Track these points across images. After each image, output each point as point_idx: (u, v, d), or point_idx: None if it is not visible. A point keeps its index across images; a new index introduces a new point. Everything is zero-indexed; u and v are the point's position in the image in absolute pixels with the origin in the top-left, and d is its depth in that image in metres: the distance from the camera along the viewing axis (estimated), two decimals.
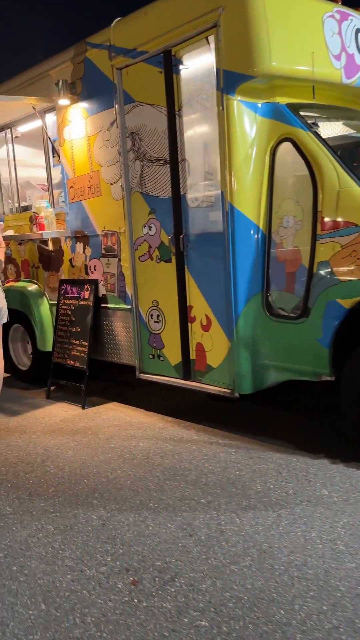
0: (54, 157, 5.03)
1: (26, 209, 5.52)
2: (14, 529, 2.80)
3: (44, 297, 5.39)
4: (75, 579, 2.36)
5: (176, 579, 2.30)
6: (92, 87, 4.46)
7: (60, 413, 4.64)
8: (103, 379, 5.45)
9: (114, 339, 4.71)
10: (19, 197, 5.62)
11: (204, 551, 2.49)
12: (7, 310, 4.97)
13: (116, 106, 4.25)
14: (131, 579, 2.32)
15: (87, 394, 4.75)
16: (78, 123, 4.62)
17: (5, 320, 5.01)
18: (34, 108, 4.80)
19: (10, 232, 5.38)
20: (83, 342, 4.79)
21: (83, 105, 4.56)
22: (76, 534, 2.70)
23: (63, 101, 4.61)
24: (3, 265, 4.81)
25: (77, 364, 4.82)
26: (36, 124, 5.23)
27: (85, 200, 4.71)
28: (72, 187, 4.82)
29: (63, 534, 2.71)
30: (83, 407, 4.72)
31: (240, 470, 3.25)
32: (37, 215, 4.92)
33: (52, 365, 5.10)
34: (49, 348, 5.32)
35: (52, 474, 3.42)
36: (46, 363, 5.21)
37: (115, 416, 4.44)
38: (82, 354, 4.78)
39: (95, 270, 4.78)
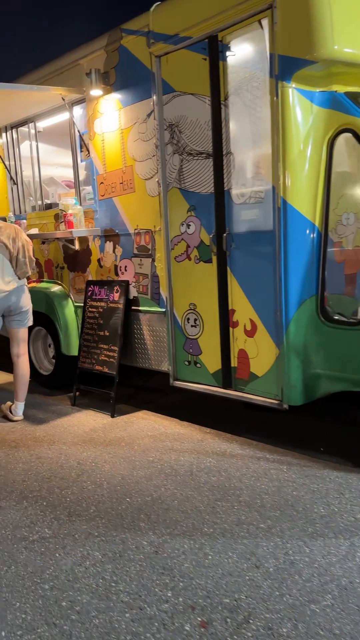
0: (82, 151, 4.78)
1: (49, 206, 5.27)
2: (57, 555, 2.54)
3: (69, 298, 5.13)
4: (135, 618, 2.09)
5: (251, 621, 2.03)
6: (127, 76, 4.21)
7: (88, 422, 4.38)
8: (129, 385, 5.19)
9: (145, 344, 4.45)
10: (42, 195, 5.37)
11: (275, 586, 2.22)
12: (32, 313, 4.73)
13: (154, 96, 3.99)
14: (199, 619, 2.05)
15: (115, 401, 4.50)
16: (111, 115, 4.36)
17: (30, 323, 4.76)
18: (63, 99, 4.55)
19: (34, 231, 5.12)
20: (112, 347, 4.53)
21: (116, 96, 4.30)
22: (128, 563, 2.44)
23: (95, 92, 4.36)
24: (34, 264, 4.56)
25: (106, 370, 4.56)
26: (60, 117, 4.98)
27: (116, 197, 4.45)
28: (102, 183, 4.56)
29: (113, 563, 2.45)
30: (112, 416, 4.46)
31: (298, 491, 2.99)
32: (65, 213, 4.66)
33: (77, 371, 4.85)
34: (74, 352, 5.06)
35: (90, 490, 3.15)
36: (70, 368, 4.96)
37: (149, 426, 4.18)
38: (112, 359, 4.52)
39: (126, 270, 4.52)
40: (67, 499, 3.06)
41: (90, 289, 4.82)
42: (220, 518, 2.76)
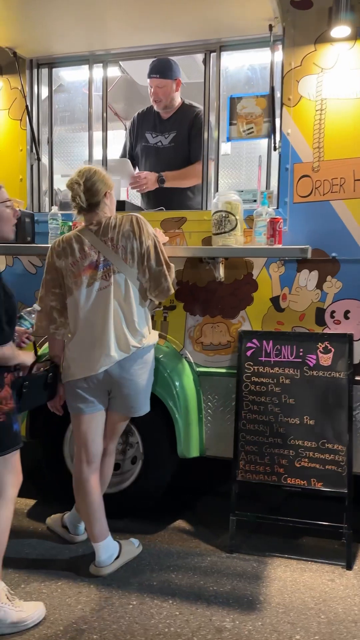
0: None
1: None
2: None
3: (184, 360, 3.05)
4: None
5: None
6: None
7: (306, 584, 2.41)
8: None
9: None
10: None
11: None
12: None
13: None
14: None
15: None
16: (349, 73, 2.76)
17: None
18: (270, 27, 2.73)
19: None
20: (331, 446, 2.66)
21: None
22: None
23: (340, 30, 2.69)
24: (172, 289, 2.57)
25: (320, 485, 2.66)
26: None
27: (340, 201, 2.78)
28: (305, 177, 2.83)
29: None
30: (350, 567, 2.57)
31: None
32: (271, 218, 2.74)
33: (236, 488, 2.78)
34: (195, 452, 2.97)
35: None
36: (183, 475, 2.86)
37: None
38: (333, 466, 2.65)
39: (346, 318, 2.80)
40: None
41: (251, 345, 2.90)
42: None
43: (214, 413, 3.00)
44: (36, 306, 2.56)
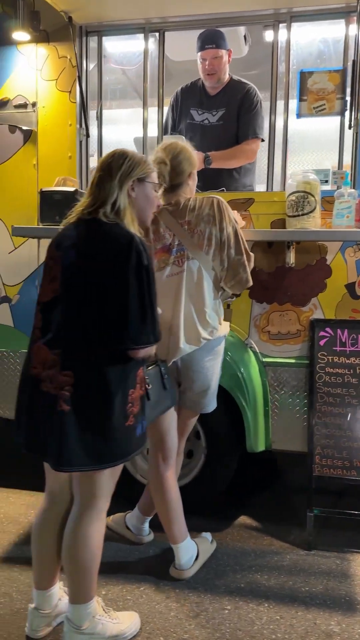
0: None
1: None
2: None
3: (249, 350, 2.91)
4: None
5: None
6: None
7: None
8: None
9: None
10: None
11: None
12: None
13: None
14: None
15: None
16: None
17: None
18: None
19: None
20: None
21: None
22: None
23: None
24: (250, 281, 2.41)
25: None
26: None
27: None
28: None
29: None
30: None
31: None
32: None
33: (312, 483, 2.67)
34: (262, 446, 2.85)
35: None
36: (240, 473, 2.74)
37: None
38: None
39: None
40: None
41: (324, 334, 2.77)
42: None
43: (282, 405, 2.86)
44: None
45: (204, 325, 2.31)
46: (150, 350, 1.73)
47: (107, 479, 1.85)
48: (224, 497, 3.00)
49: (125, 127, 4.29)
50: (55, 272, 1.76)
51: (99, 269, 1.68)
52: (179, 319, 2.27)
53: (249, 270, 2.37)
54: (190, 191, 2.40)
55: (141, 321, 1.67)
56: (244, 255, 2.33)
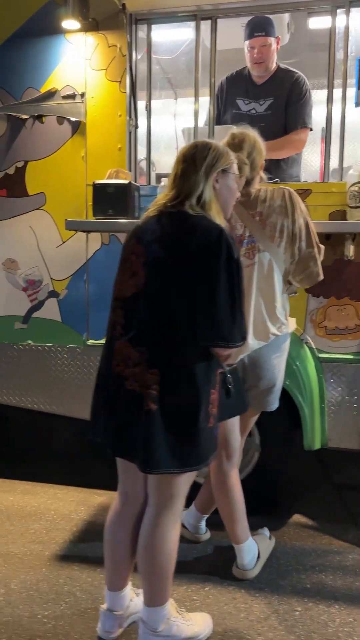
0: None
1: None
2: None
3: (305, 346, 2.85)
4: None
5: None
6: None
7: None
8: None
9: None
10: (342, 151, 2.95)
11: None
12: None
13: None
14: None
15: None
16: None
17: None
18: None
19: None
20: None
21: None
22: None
23: None
24: (321, 275, 2.35)
25: None
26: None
27: None
28: None
29: None
30: None
31: None
32: None
33: None
34: (318, 444, 2.79)
35: None
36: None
37: None
38: None
39: None
40: None
41: None
42: None
43: (339, 402, 2.81)
44: None
45: (273, 321, 2.25)
46: (239, 350, 1.68)
47: (186, 480, 1.80)
48: (276, 495, 2.96)
49: (156, 119, 4.23)
50: (136, 267, 1.70)
51: (187, 262, 1.63)
52: (249, 314, 2.21)
53: (319, 264, 2.31)
54: (258, 182, 2.34)
55: (231, 317, 1.61)
56: (315, 248, 2.26)
